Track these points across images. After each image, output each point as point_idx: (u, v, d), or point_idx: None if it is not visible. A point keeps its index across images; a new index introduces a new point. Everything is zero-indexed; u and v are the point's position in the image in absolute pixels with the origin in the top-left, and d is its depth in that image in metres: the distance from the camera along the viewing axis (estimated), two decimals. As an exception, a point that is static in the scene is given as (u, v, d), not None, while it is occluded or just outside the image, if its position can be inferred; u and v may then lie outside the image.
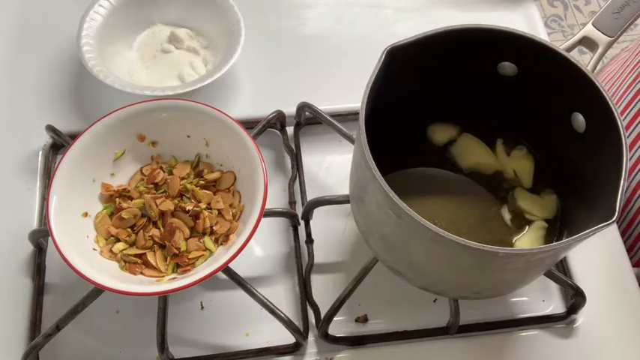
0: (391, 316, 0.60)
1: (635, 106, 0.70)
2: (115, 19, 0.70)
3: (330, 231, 0.64)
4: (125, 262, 0.56)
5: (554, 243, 0.45)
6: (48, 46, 0.74)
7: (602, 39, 0.56)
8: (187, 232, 0.57)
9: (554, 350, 0.59)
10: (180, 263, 0.56)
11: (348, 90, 0.71)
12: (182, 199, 0.59)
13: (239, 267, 0.57)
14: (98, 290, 0.55)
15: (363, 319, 0.60)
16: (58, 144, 0.67)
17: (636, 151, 0.69)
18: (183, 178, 0.60)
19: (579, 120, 0.54)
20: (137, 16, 0.72)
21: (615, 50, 1.24)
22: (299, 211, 0.64)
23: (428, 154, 0.62)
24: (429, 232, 0.44)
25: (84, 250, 0.55)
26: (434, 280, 0.54)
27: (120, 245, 0.57)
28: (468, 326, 0.59)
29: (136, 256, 0.56)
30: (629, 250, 0.66)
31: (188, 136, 0.61)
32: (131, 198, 0.59)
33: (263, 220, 0.54)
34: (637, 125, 0.69)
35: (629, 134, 0.70)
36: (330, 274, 0.62)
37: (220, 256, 0.53)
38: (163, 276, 0.55)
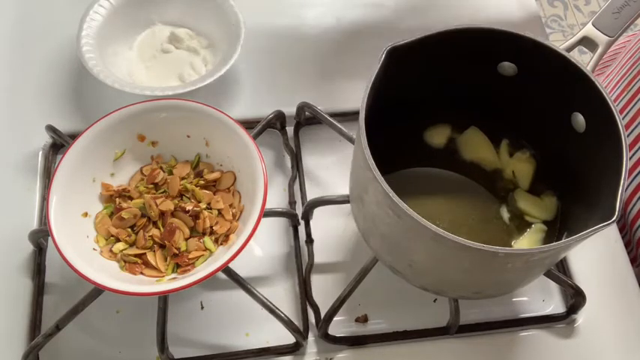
0: (391, 316, 0.60)
1: (633, 107, 0.70)
2: (115, 19, 0.70)
3: (330, 231, 0.64)
4: (125, 262, 0.56)
5: (554, 243, 0.45)
6: (48, 46, 0.74)
7: (602, 39, 0.56)
8: (187, 232, 0.57)
9: (554, 350, 0.59)
10: (180, 263, 0.56)
11: (348, 90, 0.72)
12: (182, 199, 0.59)
13: (239, 267, 0.57)
14: (98, 290, 0.55)
15: (363, 319, 0.60)
16: (58, 144, 0.67)
17: (636, 151, 0.69)
18: (183, 178, 0.60)
19: (579, 120, 0.54)
20: (137, 16, 0.72)
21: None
22: (299, 211, 0.64)
23: (428, 154, 0.62)
24: (429, 232, 0.44)
25: (84, 250, 0.55)
26: (434, 280, 0.54)
27: (120, 245, 0.57)
28: (468, 326, 0.59)
29: (136, 256, 0.56)
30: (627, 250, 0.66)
31: (188, 136, 0.61)
32: (131, 198, 0.59)
33: (263, 220, 0.54)
34: (637, 126, 0.69)
35: (629, 134, 0.70)
36: (330, 274, 0.62)
37: (220, 256, 0.53)
38: (163, 276, 0.55)
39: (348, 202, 0.59)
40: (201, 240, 0.57)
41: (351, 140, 0.63)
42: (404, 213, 0.44)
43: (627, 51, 0.79)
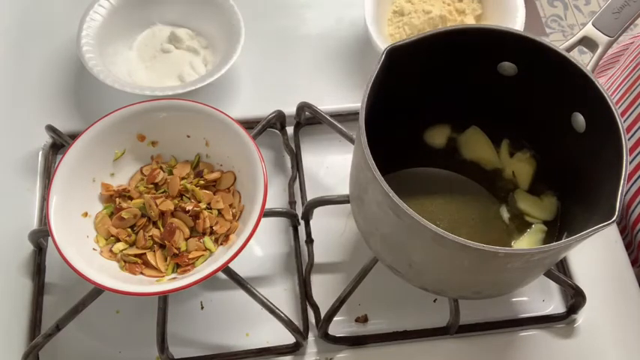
0: (391, 316, 0.60)
1: (635, 109, 0.70)
2: (115, 19, 0.70)
3: (330, 231, 0.64)
4: (125, 262, 0.56)
5: (554, 243, 0.45)
6: (48, 46, 0.74)
7: (602, 39, 0.56)
8: (187, 232, 0.57)
9: (554, 350, 0.59)
10: (180, 263, 0.56)
11: (348, 90, 0.72)
12: (182, 199, 0.59)
13: (239, 267, 0.57)
14: (98, 290, 0.55)
15: (363, 319, 0.60)
16: (58, 144, 0.67)
17: (636, 156, 0.69)
18: (183, 178, 0.60)
19: (579, 120, 0.54)
20: (137, 16, 0.72)
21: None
22: (299, 211, 0.64)
23: (428, 154, 0.62)
24: (429, 232, 0.44)
25: (84, 250, 0.55)
26: (434, 280, 0.54)
27: (120, 245, 0.57)
28: (468, 326, 0.59)
29: (136, 256, 0.56)
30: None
31: (188, 136, 0.61)
32: (131, 198, 0.59)
33: (263, 220, 0.54)
34: (637, 130, 0.69)
35: (630, 138, 0.70)
36: (330, 274, 0.62)
37: (220, 256, 0.53)
38: (163, 276, 0.55)
39: (348, 202, 0.59)
40: (201, 240, 0.57)
41: (351, 140, 0.63)
42: (404, 213, 0.44)
43: (629, 54, 0.79)
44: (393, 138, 0.58)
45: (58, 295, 0.60)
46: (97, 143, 0.58)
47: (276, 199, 0.66)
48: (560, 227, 0.59)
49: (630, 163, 0.69)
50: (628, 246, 0.69)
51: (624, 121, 0.71)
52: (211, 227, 0.57)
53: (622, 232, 0.66)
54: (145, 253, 0.56)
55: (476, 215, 0.60)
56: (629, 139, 0.69)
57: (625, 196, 0.69)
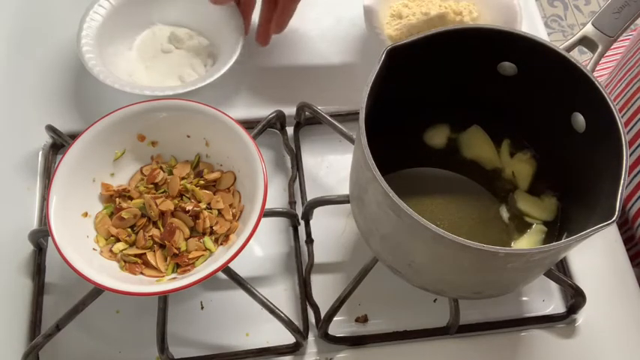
0: (391, 316, 0.60)
1: (634, 103, 0.70)
2: (115, 19, 0.70)
3: (330, 231, 0.64)
4: (125, 262, 0.56)
5: (554, 243, 0.45)
6: (48, 46, 0.74)
7: (602, 39, 0.56)
8: (187, 232, 0.57)
9: (555, 350, 0.59)
10: (180, 263, 0.56)
11: (348, 90, 0.72)
12: (182, 199, 0.59)
13: (239, 267, 0.57)
14: (98, 290, 0.55)
15: (363, 319, 0.60)
16: (58, 144, 0.67)
17: (636, 149, 0.69)
18: (183, 178, 0.60)
19: (579, 120, 0.54)
20: (137, 16, 0.72)
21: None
22: (299, 211, 0.64)
23: (428, 154, 0.62)
24: (429, 232, 0.44)
25: (84, 250, 0.55)
26: (434, 280, 0.54)
27: (120, 245, 0.57)
28: (468, 326, 0.59)
29: (136, 256, 0.56)
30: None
31: (188, 136, 0.61)
32: (131, 198, 0.59)
33: (263, 220, 0.54)
34: (636, 123, 0.69)
35: (628, 131, 0.70)
36: (330, 274, 0.62)
37: (220, 256, 0.53)
38: (163, 276, 0.55)
39: (348, 202, 0.59)
40: (201, 240, 0.57)
41: (351, 140, 0.63)
42: (404, 213, 0.44)
43: (626, 51, 0.79)
44: (393, 138, 0.58)
45: (58, 295, 0.60)
46: (97, 143, 0.58)
47: (276, 199, 0.66)
48: (560, 227, 0.59)
49: (629, 156, 0.68)
50: (629, 240, 0.69)
51: (622, 116, 0.71)
52: (211, 227, 0.57)
53: (622, 226, 0.66)
54: (145, 253, 0.56)
55: (476, 215, 0.60)
56: (627, 133, 0.69)
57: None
